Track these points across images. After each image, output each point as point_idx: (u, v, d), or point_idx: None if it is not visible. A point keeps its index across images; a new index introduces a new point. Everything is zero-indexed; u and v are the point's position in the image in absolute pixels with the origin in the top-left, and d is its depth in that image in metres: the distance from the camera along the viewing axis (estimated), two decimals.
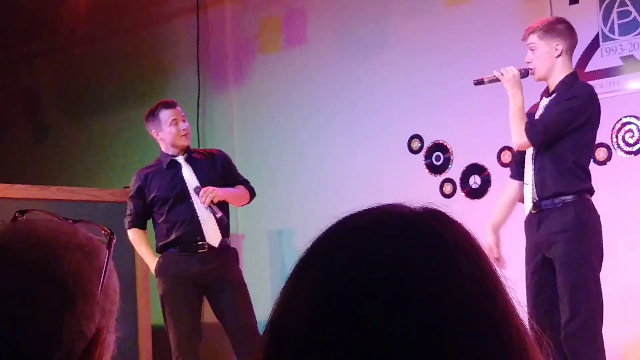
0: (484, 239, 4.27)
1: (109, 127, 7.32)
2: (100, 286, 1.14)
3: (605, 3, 5.30)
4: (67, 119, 7.72)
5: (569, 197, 4.17)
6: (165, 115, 5.14)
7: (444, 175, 5.87)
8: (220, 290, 5.04)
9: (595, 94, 4.26)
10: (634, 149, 5.21)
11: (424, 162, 5.94)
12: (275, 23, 6.62)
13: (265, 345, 0.88)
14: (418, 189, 5.65)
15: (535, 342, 0.88)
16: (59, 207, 5.13)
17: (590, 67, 5.22)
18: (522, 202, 4.40)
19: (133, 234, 5.14)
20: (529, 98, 4.36)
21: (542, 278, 4.21)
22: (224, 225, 5.07)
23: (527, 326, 0.87)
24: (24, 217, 1.21)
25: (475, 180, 5.71)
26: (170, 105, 5.20)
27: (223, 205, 5.07)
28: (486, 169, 5.69)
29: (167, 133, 5.13)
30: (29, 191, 5.53)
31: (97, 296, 1.13)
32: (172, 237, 5.04)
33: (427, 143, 5.92)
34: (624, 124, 5.22)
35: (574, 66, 4.42)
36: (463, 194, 5.78)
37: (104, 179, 6.95)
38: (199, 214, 5.04)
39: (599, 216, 4.18)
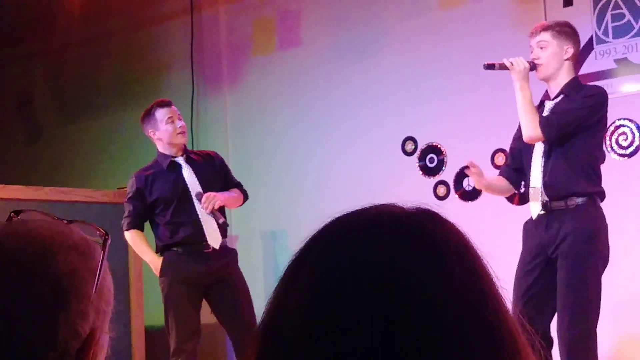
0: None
1: (103, 128, 7.31)
2: (94, 286, 1.14)
3: (599, 6, 5.30)
4: (60, 120, 7.71)
5: (581, 199, 4.17)
6: (161, 113, 5.15)
7: (437, 177, 5.87)
8: (222, 290, 5.09)
9: (607, 97, 4.28)
10: (628, 151, 5.21)
11: (417, 164, 5.93)
12: (269, 24, 6.62)
13: (258, 345, 0.88)
14: (411, 191, 5.64)
15: (527, 343, 0.88)
16: (52, 207, 5.12)
17: (584, 69, 5.22)
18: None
19: (132, 235, 5.14)
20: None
21: (539, 277, 4.20)
22: (224, 228, 5.14)
23: (519, 326, 0.88)
24: (19, 217, 1.21)
25: (468, 183, 5.71)
26: (165, 104, 5.22)
27: (220, 209, 5.12)
28: None
29: (163, 131, 5.14)
30: (22, 192, 5.51)
31: (91, 296, 1.14)
32: (177, 238, 5.07)
33: (421, 145, 5.92)
34: (617, 127, 5.22)
35: None
36: (457, 196, 5.78)
37: (97, 180, 6.94)
38: (200, 216, 5.08)
39: (607, 225, 4.21)
